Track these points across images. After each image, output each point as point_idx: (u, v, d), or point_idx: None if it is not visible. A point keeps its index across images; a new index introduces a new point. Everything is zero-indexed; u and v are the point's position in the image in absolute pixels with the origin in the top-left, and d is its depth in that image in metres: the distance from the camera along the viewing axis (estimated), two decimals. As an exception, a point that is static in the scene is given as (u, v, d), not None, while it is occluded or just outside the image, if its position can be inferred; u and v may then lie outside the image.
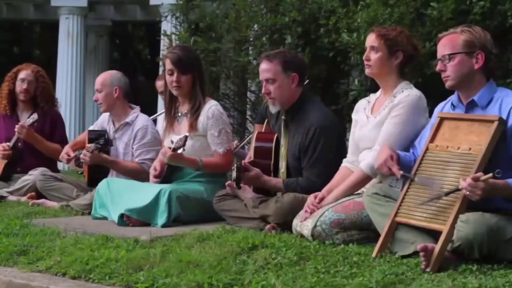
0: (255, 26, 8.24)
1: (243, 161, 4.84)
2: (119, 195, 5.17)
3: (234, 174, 4.70)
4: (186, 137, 4.94)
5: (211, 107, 5.25)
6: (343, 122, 6.46)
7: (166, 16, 11.20)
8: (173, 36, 10.01)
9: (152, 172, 5.35)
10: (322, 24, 6.95)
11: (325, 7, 7.34)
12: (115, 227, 4.92)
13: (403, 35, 4.36)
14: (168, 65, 5.27)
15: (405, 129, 4.23)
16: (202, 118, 5.23)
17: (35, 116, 6.51)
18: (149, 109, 9.68)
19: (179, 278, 3.61)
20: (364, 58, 4.41)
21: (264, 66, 4.88)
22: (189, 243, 4.20)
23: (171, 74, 5.27)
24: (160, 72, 8.03)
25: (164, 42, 10.13)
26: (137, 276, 3.70)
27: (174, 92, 5.30)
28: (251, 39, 8.20)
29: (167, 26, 11.14)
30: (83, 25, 13.10)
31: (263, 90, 4.89)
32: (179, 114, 5.39)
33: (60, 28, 13.26)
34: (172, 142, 5.03)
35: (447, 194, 3.63)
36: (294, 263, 3.73)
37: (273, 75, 4.82)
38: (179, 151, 4.95)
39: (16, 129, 6.52)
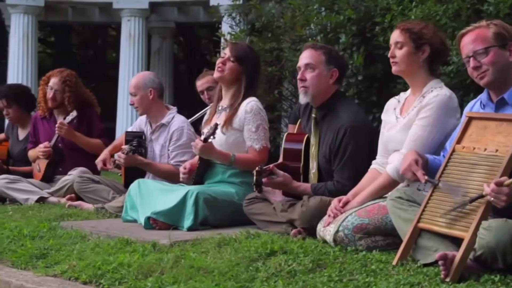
0: (311, 25, 8.11)
1: (270, 165, 4.66)
2: (149, 197, 5.06)
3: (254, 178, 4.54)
4: (216, 125, 4.83)
5: (250, 102, 5.10)
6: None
7: (223, 17, 11.19)
8: (229, 36, 9.97)
9: (181, 170, 5.23)
10: (377, 22, 6.74)
11: (381, 5, 7.14)
12: (140, 230, 4.81)
13: (428, 28, 4.13)
14: (226, 49, 5.25)
15: (434, 132, 3.99)
16: (239, 113, 5.09)
17: (74, 113, 6.50)
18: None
19: (187, 285, 3.48)
20: (389, 55, 4.19)
21: (307, 53, 4.71)
22: (206, 248, 4.06)
23: (222, 57, 5.21)
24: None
25: (222, 43, 10.09)
26: (145, 282, 3.58)
27: (215, 75, 5.22)
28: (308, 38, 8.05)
29: (225, 26, 11.09)
30: (145, 27, 13.13)
31: (298, 76, 4.70)
32: (219, 108, 5.27)
33: (122, 30, 13.35)
34: (203, 133, 4.92)
35: (471, 201, 3.38)
36: (309, 271, 3.55)
37: (314, 62, 4.65)
38: (210, 139, 4.82)
39: (56, 128, 6.51)
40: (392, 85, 6.86)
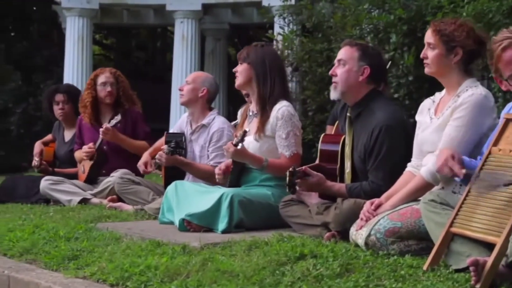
0: (364, 25, 8.00)
1: (304, 166, 4.57)
2: (185, 199, 5.03)
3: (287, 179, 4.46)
4: (245, 132, 4.77)
5: (281, 107, 5.02)
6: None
7: (273, 17, 11.13)
8: (279, 37, 9.91)
9: (216, 170, 5.19)
10: (428, 21, 6.60)
11: (432, 3, 6.99)
12: (174, 232, 4.77)
13: (462, 29, 3.95)
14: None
15: (469, 132, 3.84)
16: (271, 119, 5.02)
17: (118, 117, 6.50)
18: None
19: (210, 288, 3.42)
20: (421, 56, 4.06)
21: (343, 49, 4.64)
22: (236, 251, 3.99)
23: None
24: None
25: (276, 45, 10.04)
26: (169, 286, 3.53)
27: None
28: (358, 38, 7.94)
29: (277, 27, 11.02)
30: (198, 28, 13.14)
31: (330, 71, 4.64)
32: (250, 114, 5.21)
33: (176, 32, 13.38)
34: (235, 136, 4.90)
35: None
36: (336, 276, 3.45)
37: (346, 57, 4.56)
38: (239, 146, 4.77)
39: (100, 133, 6.52)
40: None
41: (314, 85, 9.13)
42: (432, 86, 6.84)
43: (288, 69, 9.92)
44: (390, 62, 5.93)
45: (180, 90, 6.07)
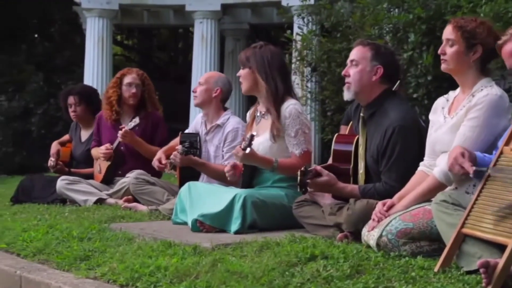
0: (383, 24, 7.94)
1: (315, 166, 4.54)
2: (198, 200, 5.01)
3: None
4: (252, 136, 4.74)
5: (288, 106, 4.99)
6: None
7: (292, 17, 11.10)
8: (298, 37, 9.88)
9: (226, 169, 5.16)
10: (447, 20, 6.55)
11: (451, 2, 6.93)
12: (187, 233, 4.75)
13: (483, 27, 3.91)
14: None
15: (483, 133, 3.79)
16: (280, 119, 4.98)
17: (136, 120, 6.48)
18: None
19: (219, 289, 3.40)
20: (439, 52, 4.01)
21: (355, 49, 4.60)
22: (247, 252, 3.97)
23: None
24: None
25: (295, 45, 10.00)
26: (178, 287, 3.51)
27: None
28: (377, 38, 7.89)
29: (296, 27, 10.99)
30: (217, 28, 13.13)
31: (343, 71, 4.60)
32: (258, 115, 5.18)
33: (195, 32, 13.38)
34: (244, 140, 4.87)
35: None
36: (346, 277, 3.41)
37: (358, 58, 4.52)
38: (247, 150, 4.73)
39: (118, 134, 6.51)
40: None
41: (333, 85, 9.08)
42: (450, 86, 6.75)
43: (307, 69, 9.90)
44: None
45: (194, 92, 6.05)
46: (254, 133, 4.83)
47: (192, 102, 12.65)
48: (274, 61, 5.12)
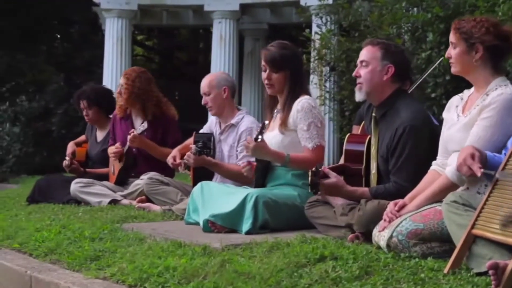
0: (401, 23, 7.91)
1: (323, 166, 4.50)
2: (210, 200, 4.98)
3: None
4: (264, 123, 4.71)
5: (301, 100, 4.96)
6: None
7: (311, 17, 11.07)
8: (316, 37, 9.85)
9: (242, 165, 5.15)
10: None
11: (469, 1, 6.89)
12: (198, 233, 4.73)
13: (481, 25, 3.83)
14: (262, 61, 5.07)
15: (496, 133, 3.72)
16: (292, 113, 4.96)
17: (145, 125, 6.49)
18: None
19: (226, 290, 3.38)
20: (446, 55, 3.98)
21: (364, 49, 4.56)
22: (256, 253, 3.94)
23: (264, 71, 5.06)
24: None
25: (313, 44, 9.98)
26: (186, 287, 3.50)
27: (267, 90, 5.08)
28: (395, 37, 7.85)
29: (315, 27, 10.96)
30: (236, 28, 13.13)
31: (354, 72, 4.56)
32: (275, 111, 5.16)
33: (214, 32, 13.41)
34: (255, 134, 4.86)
35: None
36: (355, 278, 3.38)
37: (368, 58, 4.48)
38: (258, 139, 4.70)
39: (128, 140, 6.51)
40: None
41: (351, 85, 9.01)
42: (468, 85, 6.72)
43: (325, 69, 9.86)
44: (442, 59, 5.80)
45: (205, 104, 5.99)
46: (266, 122, 4.80)
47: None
48: (297, 58, 5.16)
